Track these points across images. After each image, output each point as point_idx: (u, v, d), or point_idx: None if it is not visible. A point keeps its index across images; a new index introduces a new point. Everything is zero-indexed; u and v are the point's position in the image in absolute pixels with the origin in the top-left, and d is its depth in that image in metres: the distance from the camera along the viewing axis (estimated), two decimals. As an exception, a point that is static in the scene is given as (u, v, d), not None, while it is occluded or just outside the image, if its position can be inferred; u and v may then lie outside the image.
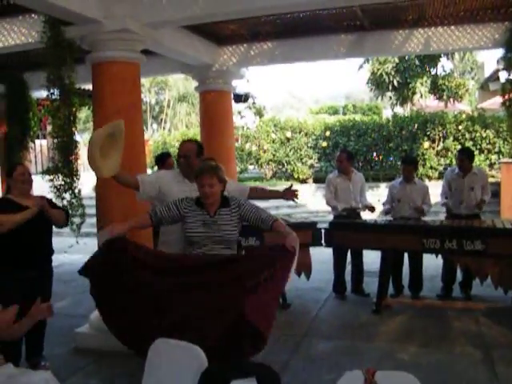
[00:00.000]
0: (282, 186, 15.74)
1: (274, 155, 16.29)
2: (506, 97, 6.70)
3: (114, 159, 3.85)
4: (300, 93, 57.25)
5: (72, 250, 6.35)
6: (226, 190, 3.97)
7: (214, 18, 5.36)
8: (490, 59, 20.78)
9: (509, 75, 6.66)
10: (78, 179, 5.47)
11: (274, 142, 16.32)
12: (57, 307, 5.08)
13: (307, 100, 52.79)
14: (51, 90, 5.33)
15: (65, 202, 5.35)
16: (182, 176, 4.22)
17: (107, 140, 3.74)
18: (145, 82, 32.33)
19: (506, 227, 5.66)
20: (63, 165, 5.31)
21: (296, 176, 15.95)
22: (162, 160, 6.72)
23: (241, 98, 9.22)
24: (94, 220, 5.53)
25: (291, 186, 4.60)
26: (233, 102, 9.04)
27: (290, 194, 4.59)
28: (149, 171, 8.97)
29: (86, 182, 6.44)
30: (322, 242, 6.35)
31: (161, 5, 4.98)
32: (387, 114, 21.46)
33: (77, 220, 5.58)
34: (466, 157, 6.54)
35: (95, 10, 4.81)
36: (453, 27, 6.82)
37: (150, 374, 2.82)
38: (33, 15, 5.60)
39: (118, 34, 4.98)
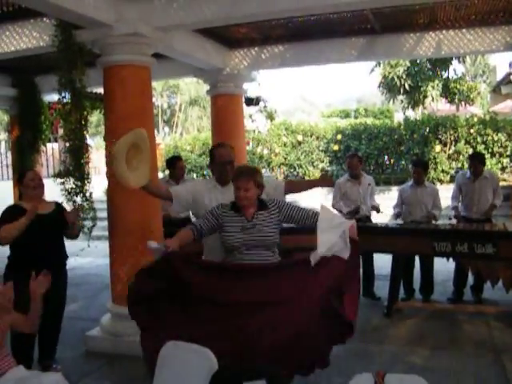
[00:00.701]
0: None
1: (285, 159, 16.27)
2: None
3: (142, 170, 3.79)
4: (312, 97, 57.41)
5: (83, 253, 6.36)
6: (269, 183, 3.96)
7: (225, 22, 5.35)
8: (502, 62, 20.72)
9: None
10: (90, 182, 5.48)
11: (285, 145, 16.31)
12: (68, 310, 5.13)
13: (319, 104, 52.77)
14: (62, 94, 5.34)
15: (76, 205, 5.36)
16: (214, 182, 4.12)
17: (132, 150, 3.68)
18: (156, 85, 32.47)
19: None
20: (74, 168, 5.33)
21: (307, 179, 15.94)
22: (173, 163, 6.75)
23: (252, 102, 9.22)
24: (105, 223, 5.56)
25: (326, 172, 4.49)
26: (244, 105, 9.06)
27: (325, 182, 4.45)
28: (160, 175, 9.01)
29: (98, 185, 6.46)
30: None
31: (172, 9, 5.00)
32: (399, 117, 21.37)
33: (88, 223, 5.59)
34: (477, 161, 6.50)
35: (106, 14, 4.85)
36: (464, 30, 6.78)
37: (160, 377, 2.81)
38: (44, 19, 5.65)
39: (128, 38, 5.01)
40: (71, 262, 5.13)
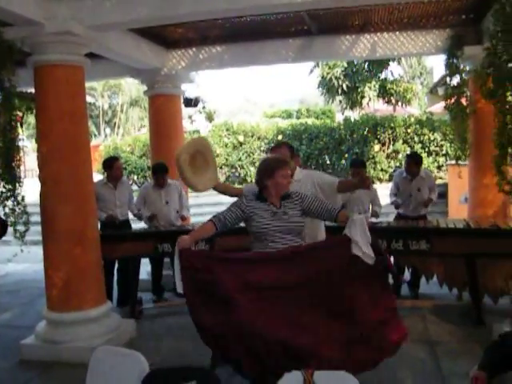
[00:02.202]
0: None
1: (226, 159, 16.29)
2: (449, 101, 6.88)
3: (210, 173, 4.23)
4: (255, 97, 57.53)
5: (17, 258, 6.16)
6: (317, 182, 4.16)
7: (159, 22, 5.28)
8: (438, 65, 21.40)
9: (451, 80, 6.84)
10: (21, 186, 5.29)
11: (226, 146, 16.33)
12: (0, 319, 4.95)
13: (262, 104, 52.93)
14: (-9, 94, 5.14)
15: (7, 210, 5.17)
16: None
17: (196, 157, 4.10)
18: (97, 85, 31.85)
19: (449, 227, 5.80)
20: (4, 171, 5.13)
21: (249, 180, 15.99)
22: (110, 164, 6.64)
23: (191, 103, 9.14)
24: (40, 228, 5.39)
25: (365, 174, 4.47)
26: (183, 106, 8.98)
27: (364, 183, 4.32)
28: (99, 176, 8.83)
29: (30, 188, 6.24)
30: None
31: (105, 7, 4.89)
32: (340, 117, 21.75)
33: (21, 228, 5.41)
34: (413, 162, 6.67)
35: (35, 11, 4.67)
36: (398, 33, 6.97)
37: (91, 383, 2.75)
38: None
39: (60, 37, 4.86)
40: (4, 268, 4.95)
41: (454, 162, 7.68)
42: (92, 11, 4.91)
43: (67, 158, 5.00)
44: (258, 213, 3.69)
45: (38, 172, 5.35)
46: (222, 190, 4.50)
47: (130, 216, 7.00)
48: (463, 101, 6.80)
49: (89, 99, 30.55)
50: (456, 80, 6.87)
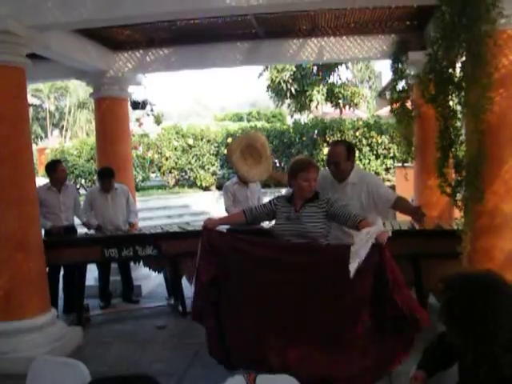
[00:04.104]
0: (185, 193, 15.68)
1: (176, 163, 16.16)
2: (395, 105, 7.02)
3: (264, 164, 4.63)
4: (206, 100, 57.41)
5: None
6: (372, 194, 4.03)
7: (103, 23, 5.19)
8: (387, 69, 21.84)
9: (396, 85, 6.99)
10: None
11: (176, 149, 16.19)
12: None
13: (213, 107, 52.88)
14: None
15: None
16: (331, 179, 4.23)
17: (248, 150, 4.49)
18: (43, 87, 31.06)
19: (395, 229, 5.91)
20: None
21: (199, 183, 15.93)
22: (53, 167, 6.49)
23: (138, 105, 9.01)
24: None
25: (420, 207, 4.23)
26: (130, 109, 8.85)
27: (418, 216, 4.13)
28: (43, 181, 8.59)
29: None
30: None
31: (46, 7, 4.72)
32: (291, 121, 21.92)
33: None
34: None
35: (-29, 9, 4.49)
36: (344, 38, 7.08)
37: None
38: None
39: (-2, 36, 4.67)
40: None
41: (400, 164, 7.86)
42: (32, 11, 4.73)
43: (7, 162, 4.82)
44: (279, 214, 3.80)
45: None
46: (277, 178, 4.69)
47: (77, 221, 6.85)
48: (408, 105, 6.96)
49: (35, 101, 29.77)
50: (401, 84, 7.02)
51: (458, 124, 4.46)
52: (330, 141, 14.89)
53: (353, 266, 3.25)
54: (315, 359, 3.40)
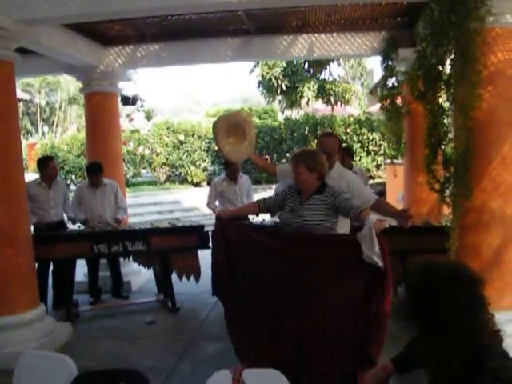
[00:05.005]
0: (176, 189, 15.66)
1: (167, 159, 16.13)
2: (385, 102, 7.04)
3: (244, 146, 4.37)
4: (198, 96, 57.19)
5: None
6: (355, 191, 3.99)
7: (92, 18, 5.17)
8: (378, 66, 21.89)
9: (386, 81, 7.00)
10: None
11: (167, 145, 16.16)
12: None
13: (205, 103, 52.70)
14: None
15: None
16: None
17: (232, 129, 4.29)
18: (34, 82, 30.85)
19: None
20: None
21: (190, 179, 15.89)
22: (45, 164, 6.46)
23: (129, 101, 8.99)
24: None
25: (408, 209, 4.18)
26: (121, 104, 8.83)
27: (404, 218, 3.97)
28: (32, 176, 8.55)
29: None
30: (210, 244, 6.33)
31: (35, 1, 4.70)
32: (282, 117, 21.93)
33: None
34: (345, 155, 6.75)
35: (-42, 3, 4.46)
36: (335, 34, 7.07)
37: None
38: None
39: (-14, 30, 4.64)
40: None
41: (389, 161, 7.88)
42: (21, 4, 4.71)
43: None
44: (286, 205, 3.82)
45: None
46: (258, 163, 4.63)
47: (65, 217, 6.83)
48: (398, 102, 6.98)
49: (25, 96, 29.55)
50: (392, 81, 7.04)
51: (447, 121, 4.49)
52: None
53: (371, 259, 3.31)
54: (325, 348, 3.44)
